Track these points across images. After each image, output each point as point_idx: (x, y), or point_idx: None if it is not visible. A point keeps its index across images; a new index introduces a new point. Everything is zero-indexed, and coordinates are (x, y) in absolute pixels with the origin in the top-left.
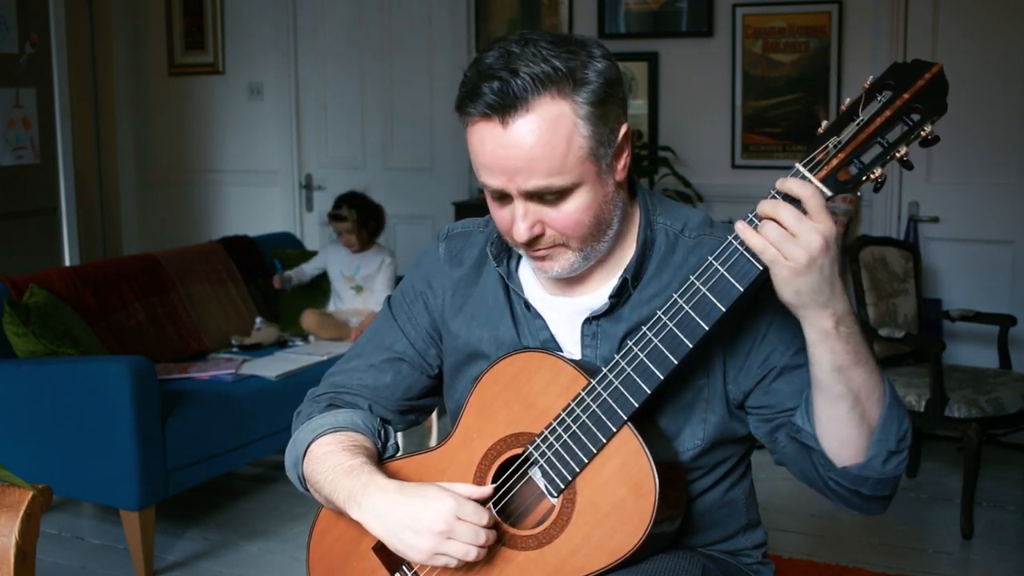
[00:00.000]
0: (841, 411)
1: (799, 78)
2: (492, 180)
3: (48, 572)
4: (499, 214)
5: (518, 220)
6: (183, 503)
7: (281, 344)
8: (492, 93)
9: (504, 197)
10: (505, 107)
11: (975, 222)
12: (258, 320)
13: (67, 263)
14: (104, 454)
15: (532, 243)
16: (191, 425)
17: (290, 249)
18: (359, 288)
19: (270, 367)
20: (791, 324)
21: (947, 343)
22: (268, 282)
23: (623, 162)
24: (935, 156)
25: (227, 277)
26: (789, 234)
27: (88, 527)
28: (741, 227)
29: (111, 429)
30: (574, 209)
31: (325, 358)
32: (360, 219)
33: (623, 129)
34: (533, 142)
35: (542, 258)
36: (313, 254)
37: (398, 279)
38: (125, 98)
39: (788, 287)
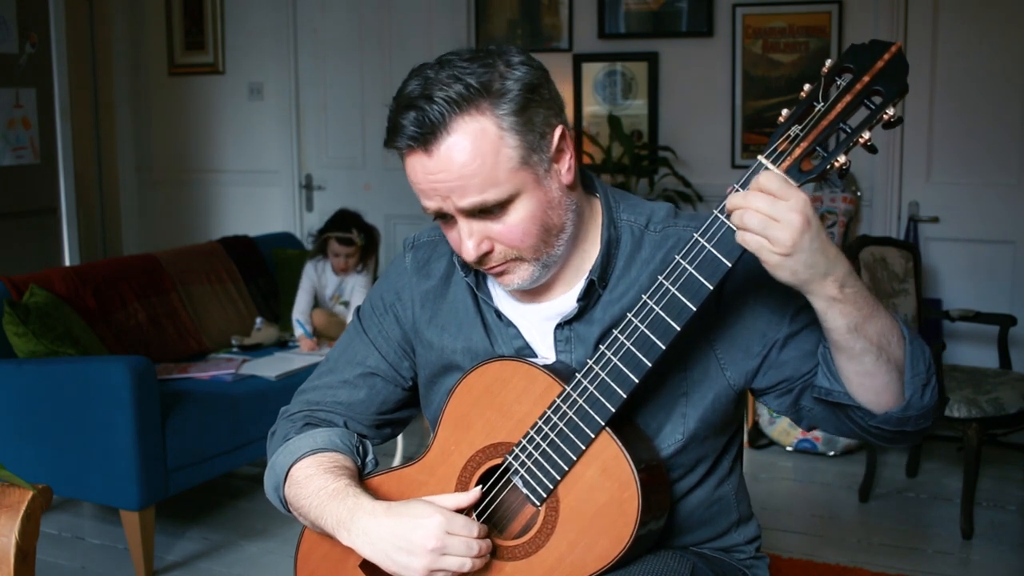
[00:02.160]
0: (868, 364)
1: (799, 78)
2: (430, 203)
3: (48, 572)
4: (450, 236)
5: (464, 239)
6: (183, 503)
7: (281, 344)
8: (411, 125)
9: (449, 218)
10: (425, 136)
11: (975, 222)
12: (258, 320)
13: (67, 263)
14: (104, 454)
15: (484, 260)
16: (191, 425)
17: (290, 249)
18: (346, 303)
19: (270, 367)
20: (774, 295)
21: (947, 343)
22: (268, 282)
23: (567, 164)
24: (935, 156)
25: (227, 277)
26: (770, 219)
27: (88, 527)
28: (738, 235)
29: (111, 429)
30: (518, 220)
31: (323, 358)
32: (366, 245)
33: (558, 131)
34: (461, 162)
35: (500, 273)
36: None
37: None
38: (125, 98)
39: (782, 270)
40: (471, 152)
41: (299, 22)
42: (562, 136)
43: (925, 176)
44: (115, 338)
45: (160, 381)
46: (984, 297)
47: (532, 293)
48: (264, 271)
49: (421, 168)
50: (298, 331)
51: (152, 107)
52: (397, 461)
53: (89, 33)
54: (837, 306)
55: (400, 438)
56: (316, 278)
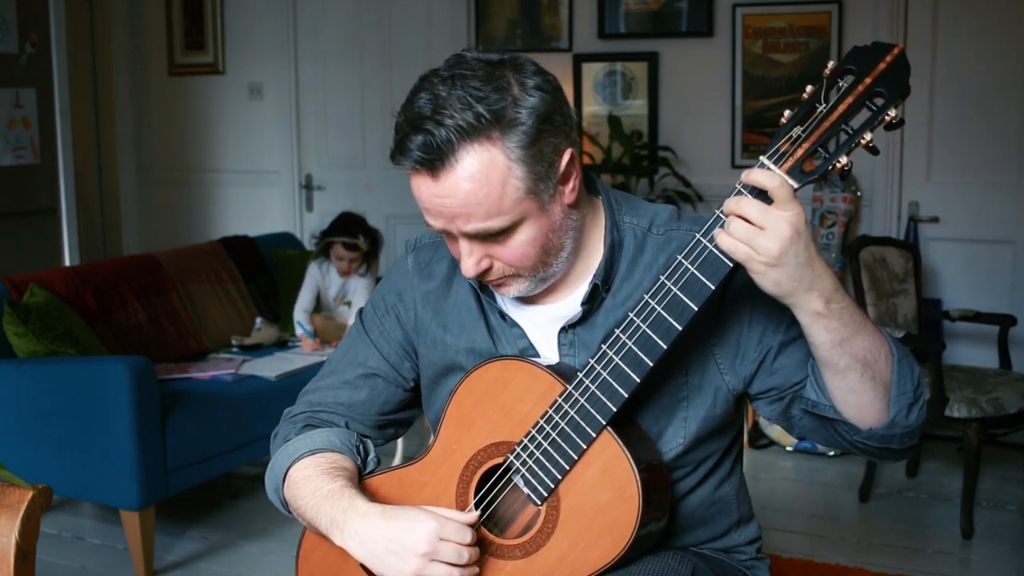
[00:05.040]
0: (853, 381)
1: (799, 78)
2: (434, 222)
3: (48, 572)
4: (451, 248)
5: (465, 258)
6: (183, 503)
7: (281, 344)
8: (418, 149)
9: (452, 234)
10: (432, 161)
11: (975, 222)
12: (258, 320)
13: (67, 263)
14: (104, 454)
15: (483, 275)
16: (191, 425)
17: (290, 249)
18: (349, 303)
19: (270, 367)
20: (774, 302)
21: (947, 343)
22: (268, 282)
23: (571, 185)
24: (935, 156)
25: (227, 277)
26: (757, 228)
27: (88, 527)
28: (717, 233)
29: (111, 429)
30: (520, 244)
31: (324, 359)
32: (370, 249)
33: (566, 156)
34: (466, 190)
35: (497, 285)
36: (309, 254)
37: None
38: (125, 98)
39: (767, 280)
40: (478, 181)
41: (299, 22)
42: (570, 160)
43: (925, 176)
44: (115, 338)
45: (160, 381)
46: (984, 297)
47: (536, 296)
48: (264, 271)
49: (427, 190)
50: (299, 331)
51: (152, 107)
52: (397, 461)
53: (89, 33)
54: (822, 321)
55: (400, 439)
56: (320, 278)
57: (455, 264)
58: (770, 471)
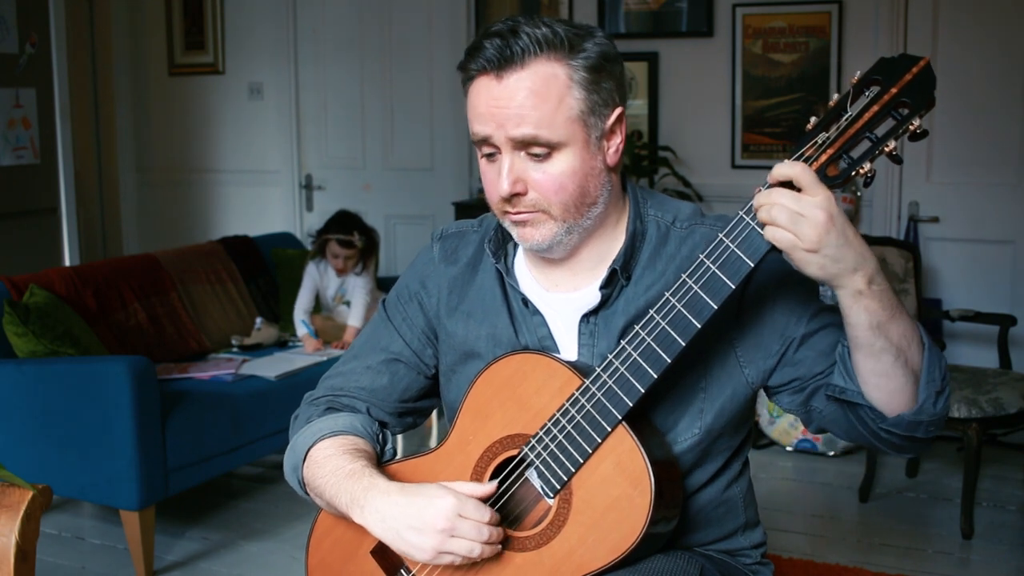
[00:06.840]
0: (886, 365)
1: (799, 78)
2: (483, 127)
3: (48, 572)
4: (488, 175)
5: (503, 174)
6: (183, 503)
7: (281, 344)
8: (492, 49)
9: (493, 155)
10: (502, 62)
11: (975, 222)
12: (258, 320)
13: (67, 263)
14: (104, 454)
15: (514, 202)
16: (191, 425)
17: (290, 249)
18: (348, 303)
19: (270, 367)
20: (795, 294)
21: (947, 343)
22: (268, 282)
23: (615, 146)
24: (935, 156)
25: (227, 277)
26: (797, 214)
27: (88, 527)
28: (767, 230)
29: (111, 429)
30: (559, 172)
31: (325, 359)
32: (366, 247)
33: (617, 111)
34: (525, 94)
35: (523, 223)
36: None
37: (382, 279)
38: (125, 98)
39: (811, 265)
40: (537, 88)
41: (299, 22)
42: (619, 119)
43: (925, 176)
44: (115, 338)
45: (160, 381)
46: (984, 297)
47: (559, 282)
48: (264, 271)
49: (487, 93)
50: (302, 330)
51: (152, 107)
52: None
53: (89, 33)
54: (863, 301)
55: (400, 438)
56: (319, 278)
57: (480, 251)
58: (770, 471)
